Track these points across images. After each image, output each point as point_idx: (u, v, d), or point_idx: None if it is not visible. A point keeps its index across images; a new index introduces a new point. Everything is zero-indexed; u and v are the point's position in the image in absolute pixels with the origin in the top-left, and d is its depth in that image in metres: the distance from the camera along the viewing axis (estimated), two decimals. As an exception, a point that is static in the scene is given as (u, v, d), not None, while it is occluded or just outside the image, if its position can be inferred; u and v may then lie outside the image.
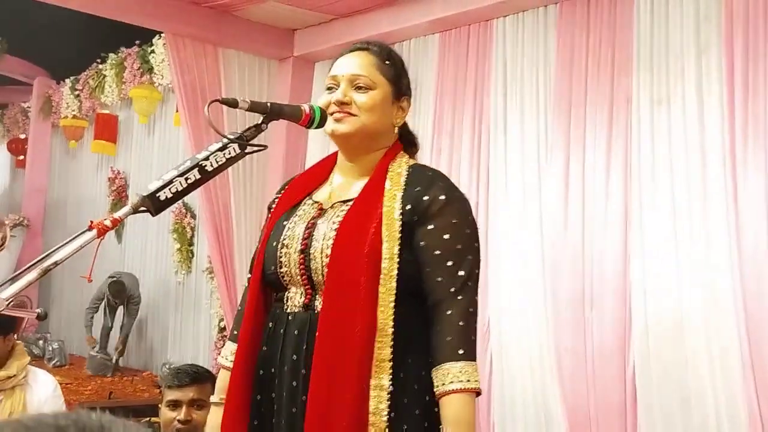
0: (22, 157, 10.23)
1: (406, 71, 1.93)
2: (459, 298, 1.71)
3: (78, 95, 8.37)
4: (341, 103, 1.81)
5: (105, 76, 7.73)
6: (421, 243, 1.75)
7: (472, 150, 4.36)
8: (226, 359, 1.95)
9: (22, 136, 10.26)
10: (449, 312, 1.70)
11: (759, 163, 3.31)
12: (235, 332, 1.95)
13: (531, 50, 4.23)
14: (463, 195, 1.85)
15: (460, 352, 1.67)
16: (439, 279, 1.72)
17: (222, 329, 5.79)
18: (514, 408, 4.09)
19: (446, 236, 1.75)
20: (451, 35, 4.62)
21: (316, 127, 1.82)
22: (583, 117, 3.91)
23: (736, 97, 3.39)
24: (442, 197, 1.77)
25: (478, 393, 1.67)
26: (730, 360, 3.31)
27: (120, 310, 7.55)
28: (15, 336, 2.97)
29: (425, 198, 1.76)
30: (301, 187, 1.97)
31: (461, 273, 1.73)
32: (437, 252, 1.74)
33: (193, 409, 2.58)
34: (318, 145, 5.26)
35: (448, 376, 1.66)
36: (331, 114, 1.83)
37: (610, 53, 3.85)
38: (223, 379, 1.94)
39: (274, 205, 1.98)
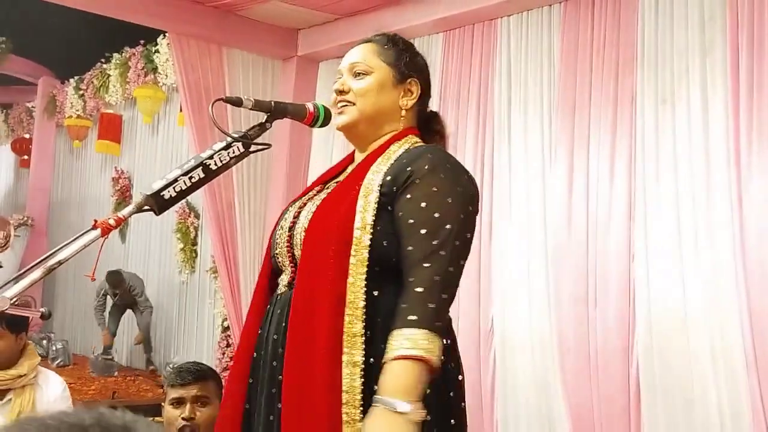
0: (26, 157, 10.25)
1: (414, 53, 1.90)
2: (425, 265, 1.60)
3: (82, 95, 8.39)
4: (340, 92, 1.83)
5: (109, 75, 7.74)
6: (399, 213, 1.67)
7: (476, 149, 4.36)
8: None
9: (27, 136, 10.29)
10: (411, 279, 1.60)
11: (763, 163, 3.30)
12: None
13: (535, 49, 4.23)
14: (456, 165, 1.77)
15: (411, 318, 1.54)
16: (410, 248, 1.63)
17: (225, 329, 5.80)
18: (518, 406, 4.09)
19: (423, 204, 1.66)
20: (455, 34, 4.62)
21: (321, 126, 1.83)
22: (587, 116, 3.90)
23: (740, 97, 3.38)
24: (427, 166, 1.69)
25: (424, 361, 1.52)
26: (734, 359, 3.30)
27: (127, 313, 7.53)
28: (26, 335, 2.99)
29: (408, 168, 1.70)
30: (321, 178, 1.96)
31: (435, 242, 1.61)
32: (411, 221, 1.65)
33: (197, 407, 2.59)
34: (322, 143, 5.26)
35: (392, 343, 1.54)
36: (335, 106, 1.83)
37: (614, 53, 3.84)
38: None
39: None
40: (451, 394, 1.70)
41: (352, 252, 1.64)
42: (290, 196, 5.31)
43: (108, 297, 7.52)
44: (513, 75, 4.32)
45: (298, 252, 1.75)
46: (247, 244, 5.26)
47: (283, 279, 1.80)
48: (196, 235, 7.25)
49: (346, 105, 1.82)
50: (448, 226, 1.64)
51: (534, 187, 4.12)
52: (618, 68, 3.82)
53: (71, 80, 8.63)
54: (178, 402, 2.61)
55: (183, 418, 2.57)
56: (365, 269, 1.64)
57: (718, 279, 3.40)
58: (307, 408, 1.61)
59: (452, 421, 1.70)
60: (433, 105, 2.01)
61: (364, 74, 1.83)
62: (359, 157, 1.89)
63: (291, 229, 1.79)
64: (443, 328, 1.59)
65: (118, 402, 6.01)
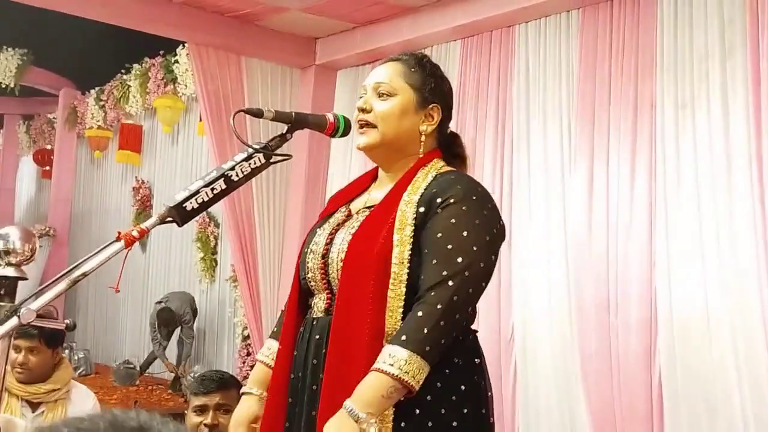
0: (48, 168, 10.35)
1: (440, 78, 1.90)
2: (431, 294, 1.65)
3: (103, 106, 8.46)
4: (362, 110, 1.83)
5: (129, 86, 7.81)
6: (420, 241, 1.71)
7: (495, 157, 4.35)
8: (264, 355, 1.97)
9: (48, 147, 10.39)
10: (417, 303, 1.66)
11: (786, 167, 3.27)
12: (275, 329, 1.98)
13: (553, 56, 4.22)
14: (483, 196, 1.78)
15: (402, 338, 1.60)
16: (422, 277, 1.68)
17: (246, 338, 5.81)
18: (539, 413, 4.07)
19: (438, 235, 1.70)
20: (473, 41, 4.61)
21: (341, 136, 1.84)
22: (606, 122, 3.88)
23: (761, 100, 3.35)
24: (452, 199, 1.72)
25: (401, 383, 1.57)
26: (758, 364, 3.27)
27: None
28: (61, 350, 3.02)
29: (438, 199, 1.73)
30: (342, 196, 1.98)
31: (444, 273, 1.66)
32: (426, 250, 1.70)
33: (219, 414, 2.63)
34: (340, 153, 5.28)
35: (380, 355, 1.61)
36: (356, 123, 1.84)
37: (633, 57, 3.83)
38: (257, 372, 1.97)
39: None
40: (483, 411, 1.75)
41: (390, 286, 1.69)
42: (309, 205, 5.37)
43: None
44: (531, 81, 4.31)
45: (333, 280, 1.79)
46: (267, 253, 5.28)
47: (318, 304, 1.83)
48: (216, 244, 7.29)
49: (368, 126, 1.83)
50: (459, 260, 1.67)
51: (553, 193, 4.10)
52: (637, 73, 3.80)
53: (92, 91, 8.71)
54: (201, 410, 2.65)
55: (206, 425, 2.61)
56: (402, 303, 1.69)
57: (741, 284, 3.37)
58: None
59: None
60: (453, 115, 2.00)
61: (387, 95, 1.83)
62: (384, 176, 1.90)
63: (324, 255, 1.81)
64: (433, 354, 1.61)
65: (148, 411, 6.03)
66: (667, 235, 3.62)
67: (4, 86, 8.50)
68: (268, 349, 1.97)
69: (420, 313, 1.62)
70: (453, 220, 1.71)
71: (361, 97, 1.87)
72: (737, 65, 3.48)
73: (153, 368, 7.72)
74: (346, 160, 5.16)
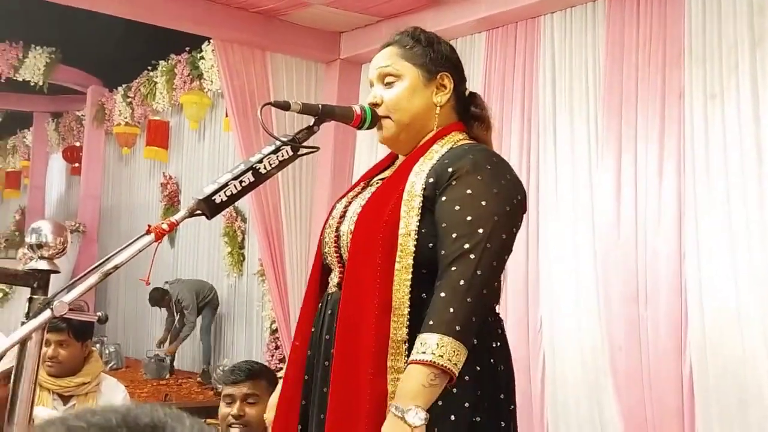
0: (77, 165, 10.47)
1: (439, 45, 1.86)
2: (452, 269, 1.58)
3: (130, 102, 8.54)
4: (374, 105, 1.82)
5: (156, 83, 7.87)
6: (436, 216, 1.66)
7: (521, 149, 4.33)
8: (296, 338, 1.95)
9: (77, 144, 10.52)
10: (438, 282, 1.59)
11: (818, 157, 3.22)
12: None
13: (579, 46, 4.19)
14: (499, 165, 1.73)
15: (430, 322, 1.54)
16: (443, 252, 1.62)
17: (274, 331, 5.85)
18: (567, 407, 4.05)
19: (456, 207, 1.64)
20: (498, 33, 4.59)
21: (368, 128, 1.83)
22: (634, 113, 3.85)
23: (793, 90, 3.31)
24: (466, 168, 1.67)
25: (438, 368, 1.51)
26: (791, 358, 3.24)
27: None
28: (90, 343, 3.06)
29: (450, 169, 1.68)
30: (368, 174, 1.97)
31: (465, 246, 1.59)
32: (444, 224, 1.64)
33: (246, 404, 2.66)
34: (366, 145, 5.28)
35: (414, 347, 1.56)
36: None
37: (660, 47, 3.79)
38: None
39: None
40: (502, 396, 1.71)
41: (397, 258, 1.64)
42: (336, 197, 5.35)
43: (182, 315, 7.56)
44: (557, 73, 4.28)
45: (344, 253, 1.76)
46: (294, 247, 5.30)
47: (333, 278, 1.82)
48: (244, 238, 7.34)
49: (384, 118, 1.81)
50: (480, 230, 1.61)
51: (581, 185, 4.08)
52: (665, 63, 3.76)
53: (119, 88, 8.80)
54: (230, 400, 2.67)
55: (232, 416, 2.64)
56: (410, 275, 1.64)
57: (773, 276, 3.33)
58: (352, 412, 1.62)
59: (502, 423, 1.71)
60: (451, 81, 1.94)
61: (393, 80, 1.81)
62: (402, 156, 1.88)
63: (337, 228, 1.80)
64: (465, 332, 1.55)
65: (169, 404, 6.10)
66: (696, 227, 3.58)
67: (33, 84, 8.60)
68: None
69: (443, 294, 1.56)
70: (469, 191, 1.65)
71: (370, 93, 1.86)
72: (767, 54, 3.43)
73: (184, 363, 7.78)
74: (371, 152, 5.16)
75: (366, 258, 1.67)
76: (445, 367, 1.51)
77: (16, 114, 11.32)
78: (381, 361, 1.61)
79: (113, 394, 3.05)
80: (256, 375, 2.74)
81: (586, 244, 4.01)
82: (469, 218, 1.62)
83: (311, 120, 1.73)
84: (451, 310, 1.54)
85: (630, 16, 3.92)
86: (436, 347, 1.51)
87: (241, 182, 1.57)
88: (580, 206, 4.06)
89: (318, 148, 1.69)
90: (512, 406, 1.74)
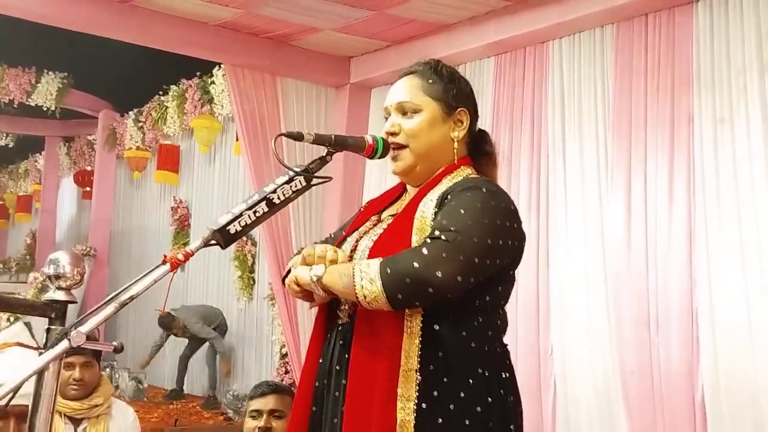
0: (88, 189, 10.53)
1: (459, 81, 1.89)
2: (427, 240, 1.63)
3: (141, 127, 8.60)
4: (390, 134, 1.84)
5: (167, 107, 7.92)
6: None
7: (531, 174, 4.34)
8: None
9: (88, 168, 10.58)
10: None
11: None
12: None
13: (588, 71, 4.21)
14: (495, 190, 1.74)
15: (383, 257, 1.62)
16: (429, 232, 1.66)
17: (284, 355, 5.84)
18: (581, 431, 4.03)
19: (453, 203, 1.69)
20: (507, 58, 4.62)
21: (380, 158, 1.85)
22: (643, 138, 3.86)
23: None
24: (461, 188, 1.72)
25: (352, 285, 1.62)
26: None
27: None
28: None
29: (449, 196, 1.72)
30: (375, 205, 1.98)
31: (451, 228, 1.62)
32: (439, 217, 1.69)
33: (272, 419, 2.74)
34: (376, 172, 5.31)
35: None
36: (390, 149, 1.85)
37: (669, 72, 3.80)
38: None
39: (350, 223, 2.00)
40: (512, 427, 1.72)
41: None
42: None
43: (170, 337, 7.57)
44: (566, 98, 4.30)
45: None
46: (304, 271, 5.30)
47: (344, 309, 1.82)
48: (254, 262, 7.35)
49: (399, 148, 1.84)
50: (468, 222, 1.64)
51: (591, 210, 4.08)
52: (674, 88, 3.78)
53: (130, 113, 8.86)
54: (256, 414, 2.77)
55: (259, 429, 2.72)
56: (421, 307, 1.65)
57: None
58: None
59: None
60: (486, 129, 2.00)
61: (414, 113, 1.83)
62: (412, 188, 1.90)
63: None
64: (391, 281, 1.58)
65: (180, 429, 6.09)
66: (707, 250, 3.58)
67: (45, 109, 8.68)
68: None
69: (407, 251, 1.63)
70: (453, 202, 1.70)
71: (386, 119, 1.88)
72: (776, 78, 3.45)
73: (194, 387, 7.77)
74: (380, 179, 5.18)
75: None
76: (356, 286, 1.61)
77: (29, 138, 11.40)
78: (392, 390, 1.63)
79: (124, 417, 3.08)
80: (282, 391, 2.86)
81: (596, 268, 4.01)
82: (461, 211, 1.66)
83: (323, 149, 1.75)
84: (398, 258, 1.60)
85: (639, 41, 3.94)
86: (366, 266, 1.61)
87: (255, 212, 1.59)
88: (591, 230, 4.06)
89: (330, 178, 1.71)
90: (519, 409, 1.76)
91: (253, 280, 7.34)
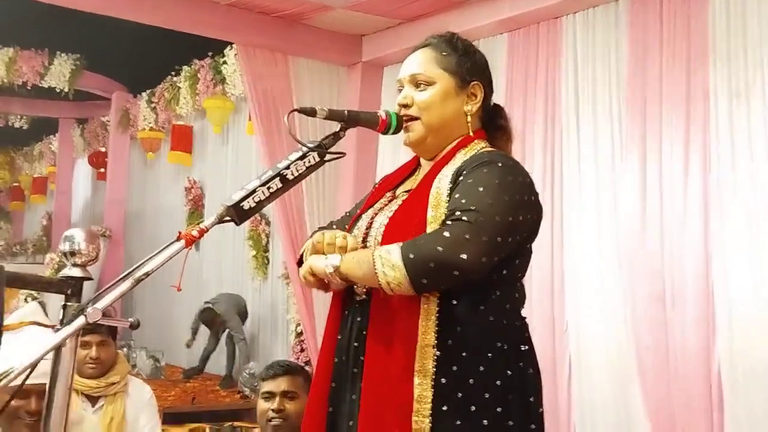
0: (102, 170, 10.58)
1: (474, 54, 1.88)
2: (448, 222, 1.62)
3: (154, 108, 8.61)
4: (403, 105, 1.83)
5: (179, 88, 7.93)
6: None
7: (545, 150, 4.32)
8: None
9: (102, 149, 10.62)
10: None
11: None
12: (334, 226, 1.96)
13: (602, 46, 4.17)
14: (510, 164, 1.74)
15: (403, 242, 1.61)
16: (450, 211, 1.65)
17: (299, 334, 5.87)
18: (594, 409, 4.03)
19: (470, 181, 1.67)
20: (520, 34, 4.59)
21: (393, 133, 1.84)
22: (658, 113, 3.82)
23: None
24: (476, 163, 1.71)
25: (372, 272, 1.60)
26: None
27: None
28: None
29: (465, 171, 1.72)
30: (388, 182, 1.97)
31: (471, 207, 1.61)
32: (457, 195, 1.67)
33: (285, 400, 2.72)
34: (389, 148, 5.29)
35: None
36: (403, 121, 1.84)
37: (684, 46, 3.76)
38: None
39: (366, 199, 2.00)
40: (532, 399, 1.72)
41: None
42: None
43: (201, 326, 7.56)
44: (580, 73, 4.26)
45: None
46: (318, 250, 5.31)
47: (361, 287, 1.81)
48: (268, 242, 7.37)
49: (411, 120, 1.82)
50: (488, 201, 1.63)
51: (605, 186, 4.06)
52: (689, 62, 3.74)
53: (143, 94, 8.87)
54: (269, 395, 2.74)
55: (272, 410, 2.70)
56: None
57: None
58: (382, 416, 1.64)
59: (532, 425, 1.71)
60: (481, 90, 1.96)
61: (426, 84, 1.82)
62: (426, 163, 1.89)
63: (364, 240, 1.81)
64: (415, 266, 1.57)
65: (197, 407, 6.14)
66: (722, 226, 3.56)
67: (58, 91, 8.70)
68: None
69: (428, 233, 1.63)
70: (470, 179, 1.68)
71: (399, 91, 1.86)
72: (793, 51, 3.41)
73: (214, 366, 7.81)
74: (394, 155, 5.16)
75: None
76: (377, 273, 1.59)
77: (42, 120, 11.44)
78: (409, 366, 1.64)
79: (140, 394, 3.11)
80: (294, 371, 2.81)
81: (611, 244, 3.99)
82: (480, 188, 1.65)
83: (336, 125, 1.75)
84: (420, 242, 1.60)
85: (653, 15, 3.89)
86: (387, 252, 1.60)
87: (268, 188, 1.58)
88: (605, 207, 4.04)
89: (344, 154, 1.70)
90: (541, 409, 1.75)
91: (268, 260, 7.36)
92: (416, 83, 1.83)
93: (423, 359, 1.63)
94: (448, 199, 1.70)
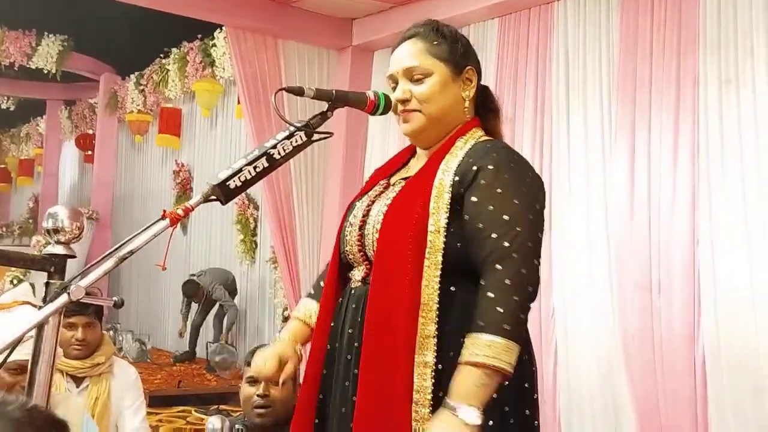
0: (90, 152, 10.52)
1: (462, 40, 1.87)
2: (497, 267, 1.60)
3: (142, 90, 8.56)
4: (402, 101, 1.81)
5: (168, 70, 7.88)
6: (466, 217, 1.68)
7: (534, 137, 4.32)
8: (299, 311, 1.98)
9: (90, 132, 10.55)
10: (483, 283, 1.61)
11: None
12: (312, 292, 2.00)
13: (593, 32, 4.16)
14: (521, 163, 1.76)
15: (480, 323, 1.57)
16: (482, 252, 1.63)
17: (286, 318, 5.86)
18: (581, 396, 4.05)
19: (490, 207, 1.66)
20: (511, 19, 4.57)
21: (381, 114, 1.83)
22: (648, 99, 3.82)
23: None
24: (491, 167, 1.69)
25: (490, 368, 1.54)
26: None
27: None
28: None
29: (474, 168, 1.70)
30: (382, 171, 1.97)
31: (506, 244, 1.62)
32: (480, 225, 1.65)
33: (270, 385, 2.69)
34: (378, 131, 5.27)
35: (464, 347, 1.58)
36: (398, 114, 1.83)
37: (675, 33, 3.76)
38: (291, 325, 1.96)
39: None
40: (526, 385, 1.73)
41: (426, 255, 1.66)
42: (348, 184, 5.38)
43: (192, 303, 7.59)
44: (571, 59, 4.26)
45: (370, 251, 1.77)
46: (306, 234, 5.31)
47: (356, 274, 1.82)
48: (256, 226, 7.35)
49: (411, 112, 1.81)
50: (518, 228, 1.64)
51: (594, 172, 4.06)
52: (680, 49, 3.73)
53: (131, 76, 8.82)
54: (254, 380, 2.72)
55: (258, 395, 2.69)
56: (439, 272, 1.66)
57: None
58: (380, 404, 1.65)
59: (527, 411, 1.72)
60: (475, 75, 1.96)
61: (424, 76, 1.80)
62: (422, 152, 1.88)
63: (361, 227, 1.80)
64: (514, 330, 1.58)
65: (183, 390, 6.14)
66: (710, 213, 3.57)
67: (46, 72, 8.64)
68: (305, 307, 1.97)
69: (490, 294, 1.59)
70: (499, 190, 1.67)
71: (393, 88, 1.85)
72: (783, 39, 3.41)
73: (200, 350, 7.80)
74: (384, 138, 5.16)
75: (395, 255, 1.68)
76: (497, 366, 1.55)
77: (29, 102, 11.37)
78: (410, 355, 1.64)
79: (126, 375, 3.10)
80: None
81: (599, 231, 4.00)
82: (505, 217, 1.64)
83: (324, 106, 1.74)
84: (500, 309, 1.57)
85: (644, 1, 3.89)
86: (488, 348, 1.55)
87: (255, 168, 1.57)
88: (594, 193, 4.05)
89: (331, 134, 1.69)
90: (536, 395, 1.76)
91: (255, 244, 7.35)
92: (411, 76, 1.81)
93: (423, 349, 1.64)
94: (450, 191, 1.69)
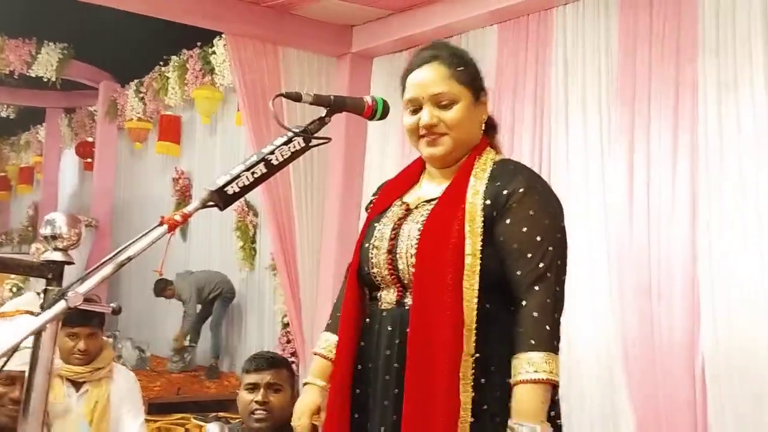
0: (90, 160, 10.51)
1: (476, 63, 1.95)
2: (536, 288, 1.73)
3: (142, 98, 8.56)
4: (431, 126, 1.86)
5: (168, 78, 7.88)
6: (501, 238, 1.77)
7: (534, 142, 4.31)
8: (321, 347, 2.05)
9: (90, 140, 10.55)
10: (524, 303, 1.73)
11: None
12: (330, 322, 2.06)
13: (592, 38, 4.16)
14: (545, 185, 1.88)
15: (531, 342, 1.68)
16: (519, 272, 1.75)
17: (285, 325, 5.86)
18: (582, 401, 4.04)
19: (524, 229, 1.77)
20: (510, 26, 4.57)
21: (379, 119, 1.85)
22: (647, 105, 3.82)
23: (807, 80, 3.28)
24: (521, 189, 1.79)
25: (551, 384, 1.69)
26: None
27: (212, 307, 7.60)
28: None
29: (504, 192, 1.79)
30: (393, 189, 2.02)
31: (541, 265, 1.74)
32: (515, 245, 1.76)
33: (270, 392, 2.70)
34: (377, 137, 5.27)
35: (517, 367, 1.69)
36: (421, 137, 1.88)
37: (674, 38, 3.76)
38: (317, 364, 2.04)
39: (370, 206, 2.05)
40: (552, 413, 1.78)
41: (465, 277, 1.74)
42: (347, 190, 5.37)
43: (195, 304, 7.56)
44: (570, 65, 4.26)
45: (403, 273, 1.83)
46: (306, 241, 5.31)
47: (387, 297, 1.87)
48: (255, 233, 7.35)
49: (438, 136, 1.87)
50: (550, 248, 1.77)
51: (593, 179, 4.06)
52: (679, 55, 3.73)
53: (131, 83, 8.81)
54: (253, 387, 2.72)
55: (256, 402, 2.68)
56: (476, 292, 1.74)
57: (787, 269, 3.30)
58: (428, 422, 1.71)
59: (552, 413, 1.77)
60: (488, 99, 2.02)
61: (451, 103, 1.86)
62: (434, 170, 1.95)
63: (390, 251, 1.86)
64: (558, 344, 1.73)
65: (182, 398, 6.13)
66: (710, 219, 3.56)
67: (45, 80, 8.63)
68: (326, 341, 2.05)
69: (536, 314, 1.71)
70: (531, 212, 1.78)
71: (414, 110, 1.89)
72: (781, 45, 3.41)
73: (199, 357, 7.79)
74: (383, 145, 5.16)
75: (435, 279, 1.76)
76: (555, 381, 1.70)
77: (29, 110, 11.36)
78: (455, 375, 1.71)
79: (125, 380, 3.12)
80: (279, 364, 2.80)
81: (598, 237, 3.99)
82: (538, 238, 1.77)
83: (323, 112, 1.74)
84: (547, 327, 1.71)
85: (643, 7, 3.89)
86: (546, 365, 1.68)
87: (253, 173, 1.57)
88: (593, 199, 4.04)
89: (329, 139, 1.70)
90: (557, 397, 1.82)
91: (255, 251, 7.34)
92: (438, 102, 1.86)
93: (465, 368, 1.71)
94: (482, 215, 1.78)
